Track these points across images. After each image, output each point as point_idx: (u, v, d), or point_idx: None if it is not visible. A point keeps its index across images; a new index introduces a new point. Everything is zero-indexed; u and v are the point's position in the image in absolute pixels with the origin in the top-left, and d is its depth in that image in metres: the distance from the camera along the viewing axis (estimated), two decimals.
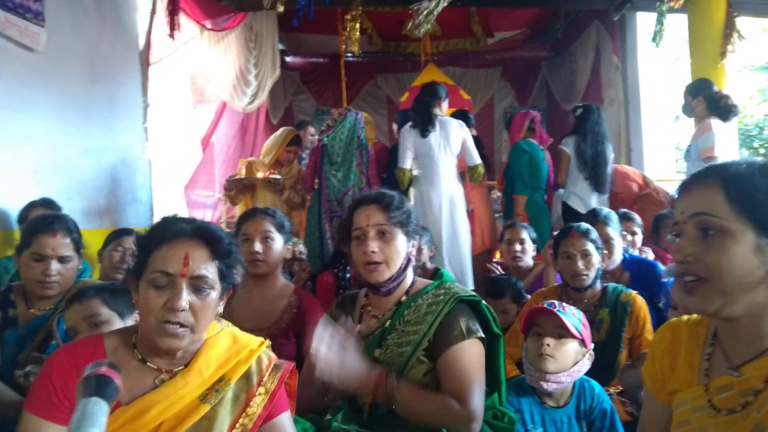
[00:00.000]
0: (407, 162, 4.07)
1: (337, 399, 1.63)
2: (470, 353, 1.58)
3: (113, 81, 4.23)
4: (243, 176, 4.56)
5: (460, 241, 4.02)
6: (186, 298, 1.18)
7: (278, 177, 4.56)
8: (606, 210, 2.95)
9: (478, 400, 1.53)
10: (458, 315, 1.62)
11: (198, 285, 1.20)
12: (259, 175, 4.52)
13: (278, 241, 2.30)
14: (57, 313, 2.03)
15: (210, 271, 1.22)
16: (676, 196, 1.10)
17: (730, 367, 1.06)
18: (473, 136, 4.52)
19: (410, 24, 5.02)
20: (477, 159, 4.15)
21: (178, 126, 5.43)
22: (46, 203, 3.03)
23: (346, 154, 3.98)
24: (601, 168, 4.33)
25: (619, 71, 6.51)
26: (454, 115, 4.65)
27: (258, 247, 2.24)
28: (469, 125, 4.41)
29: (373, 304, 1.76)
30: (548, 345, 1.74)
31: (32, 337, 2.01)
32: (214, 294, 1.23)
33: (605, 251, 2.50)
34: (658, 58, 6.46)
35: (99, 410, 0.88)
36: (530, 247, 3.25)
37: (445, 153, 4.06)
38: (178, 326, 1.17)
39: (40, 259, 2.02)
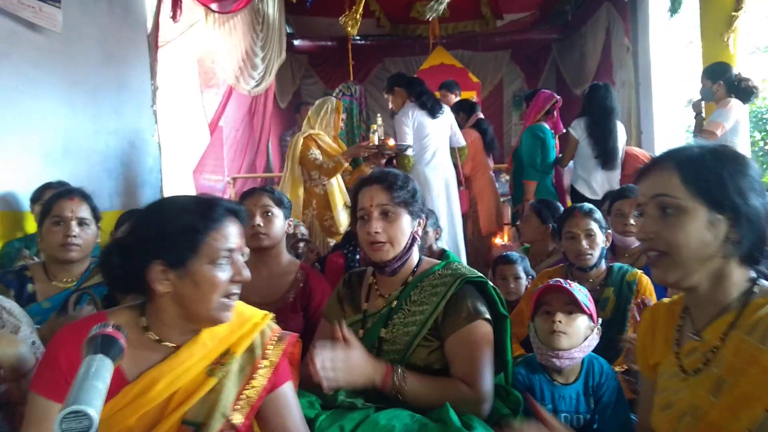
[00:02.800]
0: (410, 141, 4.08)
1: None
2: (478, 335, 1.60)
3: (122, 64, 4.24)
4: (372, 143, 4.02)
5: (455, 220, 4.08)
6: (246, 269, 1.25)
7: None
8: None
9: (488, 381, 1.56)
10: (465, 296, 1.63)
11: (243, 256, 1.28)
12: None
13: (279, 216, 2.35)
14: (81, 289, 2.07)
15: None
16: (638, 180, 1.21)
17: (693, 333, 1.19)
18: (481, 119, 4.57)
19: (424, 8, 5.05)
20: (462, 141, 4.41)
21: (187, 109, 5.45)
22: (61, 185, 3.07)
23: (352, 137, 4.01)
24: (611, 143, 4.29)
25: (630, 53, 6.43)
26: (461, 105, 4.70)
27: (259, 220, 2.29)
28: (474, 111, 4.51)
29: (380, 283, 1.77)
30: (560, 322, 1.74)
31: (54, 311, 2.04)
32: None
33: (634, 224, 2.55)
34: (671, 40, 6.38)
35: (103, 366, 0.91)
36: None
37: (444, 136, 4.12)
38: (235, 297, 1.25)
39: (60, 222, 2.09)
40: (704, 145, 1.16)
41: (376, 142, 3.91)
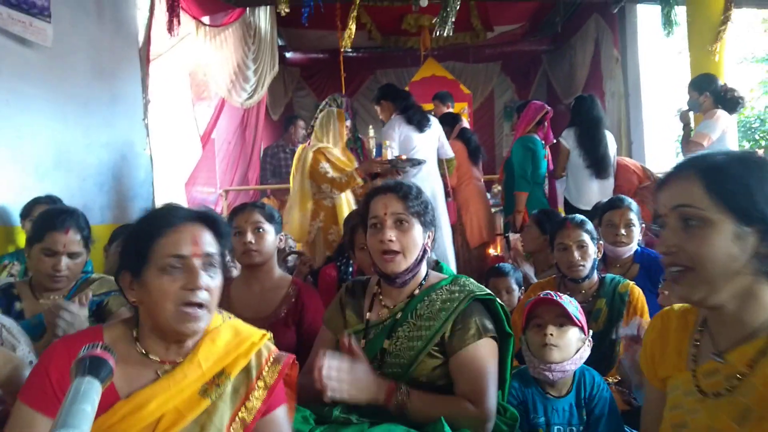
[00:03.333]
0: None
1: None
2: (485, 353, 1.59)
3: (113, 77, 4.24)
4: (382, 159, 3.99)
5: (443, 231, 4.10)
6: (204, 277, 1.19)
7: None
8: (629, 199, 2.92)
9: (492, 399, 1.55)
10: (473, 313, 1.61)
11: (209, 263, 1.21)
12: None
13: (270, 232, 2.34)
14: None
15: (218, 251, 1.24)
16: (658, 189, 1.12)
17: (715, 353, 1.09)
18: (466, 128, 4.61)
19: (414, 20, 5.12)
20: (450, 153, 4.43)
21: (179, 122, 5.44)
22: (51, 200, 3.05)
23: None
24: (601, 151, 4.33)
25: (619, 64, 6.51)
26: (443, 119, 4.73)
27: (250, 237, 2.28)
28: (457, 122, 4.62)
29: (385, 293, 1.74)
30: (551, 335, 1.74)
31: (42, 327, 2.03)
32: (219, 276, 1.25)
33: (625, 235, 2.57)
34: (659, 51, 6.46)
35: (92, 389, 0.89)
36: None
37: (431, 149, 4.15)
38: (198, 307, 1.18)
39: (50, 255, 2.05)
40: (729, 152, 1.09)
41: (389, 158, 3.92)
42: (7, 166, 3.16)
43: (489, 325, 1.62)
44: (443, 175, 4.34)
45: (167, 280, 1.17)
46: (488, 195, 6.26)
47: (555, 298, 1.79)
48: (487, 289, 1.70)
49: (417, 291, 1.69)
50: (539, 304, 1.82)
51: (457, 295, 1.64)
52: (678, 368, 1.17)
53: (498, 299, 1.70)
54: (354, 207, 4.02)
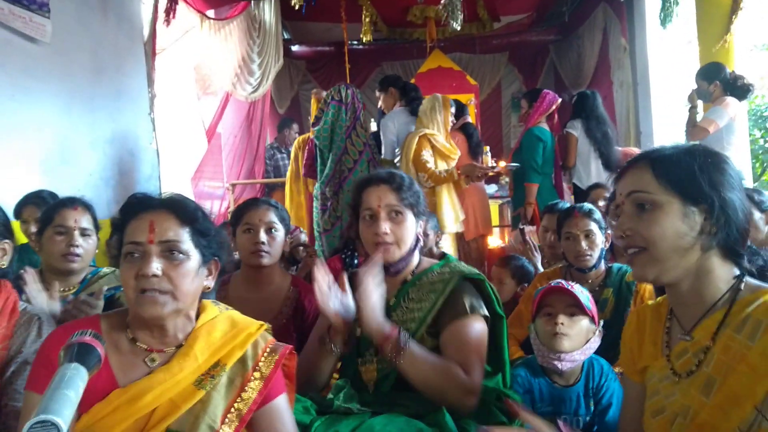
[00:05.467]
0: (391, 152, 4.09)
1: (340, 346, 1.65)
2: (473, 329, 1.59)
3: (118, 72, 4.25)
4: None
5: None
6: (156, 263, 1.18)
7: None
8: None
9: (479, 374, 1.55)
10: (462, 293, 1.63)
11: (168, 249, 1.20)
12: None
13: (281, 233, 2.24)
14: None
15: (182, 237, 1.22)
16: (616, 181, 1.22)
17: (683, 334, 1.17)
18: (468, 123, 4.59)
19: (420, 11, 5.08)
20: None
21: (185, 116, 5.45)
22: (39, 198, 2.99)
23: (331, 146, 3.95)
24: (610, 147, 4.44)
25: (627, 53, 6.42)
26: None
27: (263, 237, 2.16)
28: (463, 114, 4.57)
29: None
30: (562, 324, 1.73)
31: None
32: (191, 262, 1.23)
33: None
34: (668, 40, 6.39)
35: (77, 375, 0.90)
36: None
37: None
38: (156, 293, 1.17)
39: (63, 232, 2.05)
40: (678, 145, 1.19)
41: (490, 163, 3.98)
42: (12, 161, 3.16)
43: (477, 303, 1.63)
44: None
45: (126, 267, 1.20)
46: (496, 187, 6.25)
47: (567, 287, 1.78)
48: (477, 270, 1.71)
49: (409, 277, 1.72)
50: (550, 293, 1.81)
51: (447, 276, 1.66)
52: (654, 357, 1.24)
53: (488, 281, 1.70)
54: (456, 203, 3.98)
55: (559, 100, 4.53)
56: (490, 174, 4.08)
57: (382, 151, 4.31)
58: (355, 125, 3.94)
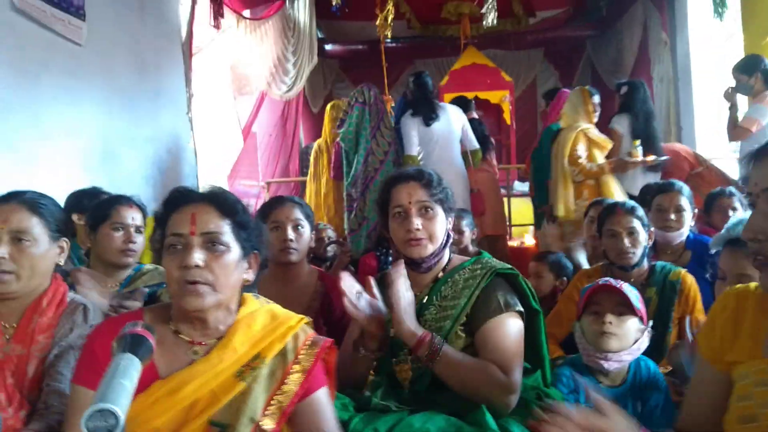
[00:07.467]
0: (414, 149, 4.05)
1: (375, 347, 1.63)
2: (509, 326, 1.57)
3: (157, 72, 4.32)
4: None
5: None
6: (198, 254, 1.19)
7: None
8: (680, 182, 2.82)
9: (518, 373, 1.52)
10: (496, 289, 1.60)
11: (210, 240, 1.21)
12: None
13: (307, 229, 2.29)
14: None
15: (222, 229, 1.23)
16: (752, 161, 0.98)
17: None
18: (474, 119, 4.52)
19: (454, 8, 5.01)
20: (476, 144, 4.29)
21: (221, 115, 5.53)
22: (96, 192, 3.07)
23: (357, 147, 3.96)
24: (656, 145, 4.19)
25: (667, 47, 6.28)
26: (454, 102, 4.64)
27: (291, 234, 2.21)
28: (468, 110, 4.47)
29: (410, 280, 1.73)
30: (610, 323, 1.70)
31: None
32: (232, 254, 1.23)
33: (675, 219, 2.50)
34: (710, 33, 6.20)
35: (131, 365, 0.91)
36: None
37: (447, 139, 4.06)
38: (198, 284, 1.18)
39: (121, 228, 2.11)
40: None
41: (640, 157, 3.96)
42: (56, 160, 3.24)
43: (512, 300, 1.60)
44: (468, 167, 4.24)
45: (169, 259, 1.21)
46: (518, 185, 6.13)
47: (615, 285, 1.74)
48: (509, 265, 1.68)
49: (441, 274, 1.70)
50: (598, 291, 1.77)
51: (479, 272, 1.64)
52: (751, 355, 1.06)
53: (521, 275, 1.67)
54: (617, 183, 3.96)
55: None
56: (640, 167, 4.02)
57: (405, 148, 4.23)
58: (379, 125, 3.97)
